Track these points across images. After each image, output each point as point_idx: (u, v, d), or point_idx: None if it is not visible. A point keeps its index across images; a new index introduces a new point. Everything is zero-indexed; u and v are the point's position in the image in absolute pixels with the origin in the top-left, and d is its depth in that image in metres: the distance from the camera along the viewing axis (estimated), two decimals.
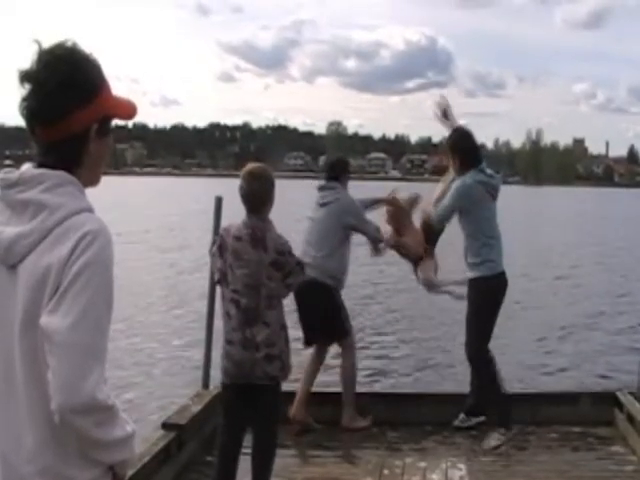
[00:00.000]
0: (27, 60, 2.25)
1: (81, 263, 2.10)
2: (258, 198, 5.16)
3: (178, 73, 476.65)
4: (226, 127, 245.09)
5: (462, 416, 7.29)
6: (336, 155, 8.03)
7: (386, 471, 5.03)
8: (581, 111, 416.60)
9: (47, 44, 2.26)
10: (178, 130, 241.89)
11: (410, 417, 7.52)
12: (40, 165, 2.26)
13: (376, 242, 7.45)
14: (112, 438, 2.17)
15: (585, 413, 7.51)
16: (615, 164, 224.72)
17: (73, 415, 2.05)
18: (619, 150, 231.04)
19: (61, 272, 2.10)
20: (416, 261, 7.51)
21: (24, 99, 2.24)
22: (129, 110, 2.42)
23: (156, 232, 36.35)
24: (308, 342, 7.49)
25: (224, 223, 5.86)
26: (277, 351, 5.16)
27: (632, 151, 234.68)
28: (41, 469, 2.16)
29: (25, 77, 2.23)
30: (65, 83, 2.21)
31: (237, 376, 5.22)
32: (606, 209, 74.83)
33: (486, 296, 6.94)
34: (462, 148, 7.14)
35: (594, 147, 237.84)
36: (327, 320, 7.33)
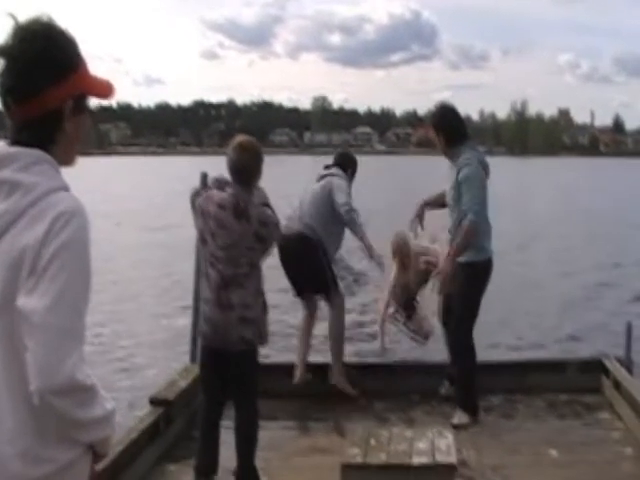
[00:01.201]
0: (2, 35, 2.23)
1: (58, 244, 2.07)
2: (246, 169, 5.17)
3: (161, 52, 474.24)
4: (210, 105, 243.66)
5: (447, 384, 7.32)
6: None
7: (373, 441, 5.04)
8: (566, 81, 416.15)
9: (23, 19, 2.23)
10: (162, 109, 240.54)
11: (398, 388, 7.56)
12: (14, 143, 2.23)
13: (349, 224, 7.34)
14: (92, 417, 2.16)
15: (572, 380, 7.55)
16: (600, 134, 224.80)
17: (52, 397, 2.04)
18: (604, 120, 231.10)
19: (37, 252, 2.07)
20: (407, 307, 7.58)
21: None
22: (106, 89, 2.38)
23: (143, 212, 36.25)
24: (298, 292, 7.63)
25: None
26: (253, 314, 5.17)
27: (617, 121, 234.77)
28: (20, 451, 2.14)
29: (1, 53, 2.21)
30: (40, 58, 2.19)
31: (213, 338, 5.24)
32: (593, 179, 74.89)
33: (478, 280, 6.84)
34: (447, 125, 6.97)
35: (579, 117, 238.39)
36: (313, 270, 7.39)
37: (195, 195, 5.39)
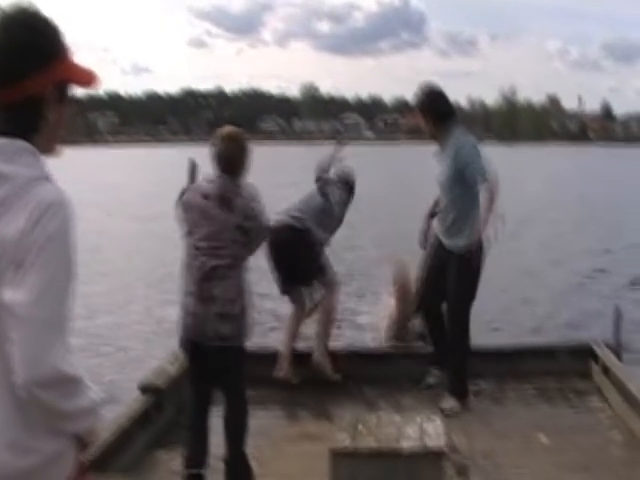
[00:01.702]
0: None
1: (44, 236, 2.06)
2: (232, 160, 5.13)
3: (149, 40, 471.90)
4: (199, 93, 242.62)
5: (437, 372, 7.30)
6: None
7: (361, 426, 5.04)
8: (555, 68, 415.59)
9: (5, 6, 2.24)
10: (150, 98, 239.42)
11: (387, 374, 7.57)
12: None
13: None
14: (77, 408, 2.16)
15: (561, 366, 7.57)
16: (589, 120, 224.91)
17: (38, 389, 2.04)
18: (593, 106, 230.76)
19: (19, 244, 2.05)
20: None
21: None
22: (89, 78, 2.36)
23: (133, 202, 36.19)
24: (285, 291, 7.65)
25: None
26: (235, 310, 5.10)
27: (606, 107, 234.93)
28: (7, 441, 2.13)
29: None
30: (22, 45, 2.18)
31: (191, 331, 5.18)
32: (582, 166, 75.02)
33: (478, 263, 6.71)
34: (434, 107, 6.80)
35: (568, 104, 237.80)
36: (306, 257, 7.42)
37: (181, 194, 5.36)
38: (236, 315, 5.11)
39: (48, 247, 2.06)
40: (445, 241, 6.88)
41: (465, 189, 6.70)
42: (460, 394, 6.85)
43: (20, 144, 2.18)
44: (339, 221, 7.74)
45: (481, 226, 6.49)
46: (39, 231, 2.06)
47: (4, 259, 2.06)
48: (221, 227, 5.06)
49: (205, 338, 5.10)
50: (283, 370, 7.41)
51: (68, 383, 2.10)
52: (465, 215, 6.75)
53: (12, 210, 2.08)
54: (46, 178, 2.18)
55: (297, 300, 7.68)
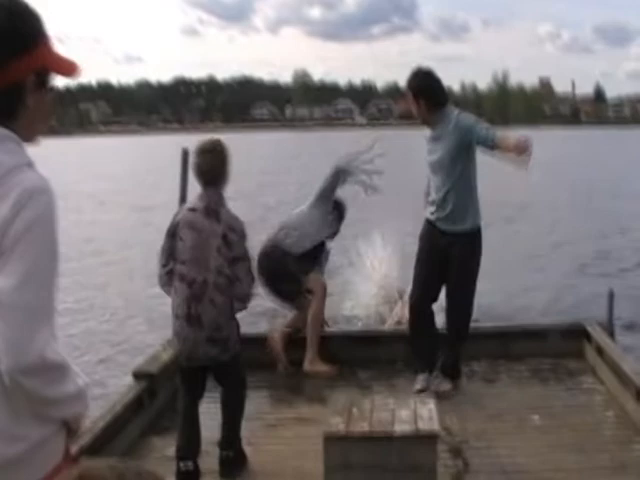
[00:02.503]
0: None
1: (25, 222, 2.06)
2: (212, 170, 5.19)
3: (141, 29, 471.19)
4: (191, 82, 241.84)
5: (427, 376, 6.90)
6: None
7: (355, 410, 5.04)
8: (546, 52, 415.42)
9: None
10: (142, 87, 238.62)
11: (381, 356, 7.58)
12: None
13: None
14: (63, 394, 2.16)
15: (555, 346, 7.58)
16: (582, 103, 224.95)
17: (23, 376, 2.04)
18: (585, 89, 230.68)
19: (3, 231, 2.05)
20: None
21: None
22: (70, 67, 2.35)
23: (128, 191, 36.16)
24: (282, 304, 7.90)
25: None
26: (224, 335, 5.18)
27: (598, 90, 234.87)
28: None
29: None
30: (2, 31, 2.16)
31: (181, 354, 5.26)
32: (575, 149, 75.01)
33: (478, 246, 6.69)
34: (427, 89, 6.63)
35: (560, 87, 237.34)
36: (286, 281, 7.53)
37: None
38: (224, 339, 5.19)
39: (30, 234, 2.06)
40: (446, 227, 6.68)
41: (466, 166, 6.55)
42: (456, 376, 6.88)
43: (1, 131, 2.17)
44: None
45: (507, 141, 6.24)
46: (21, 218, 2.06)
47: None
48: (208, 236, 5.11)
49: (196, 360, 5.20)
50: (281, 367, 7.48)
51: (52, 370, 2.10)
52: (468, 197, 6.62)
53: None
54: (28, 165, 2.18)
55: (297, 307, 7.74)
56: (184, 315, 5.14)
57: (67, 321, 12.06)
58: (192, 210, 5.19)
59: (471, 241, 6.63)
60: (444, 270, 6.71)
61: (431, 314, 6.91)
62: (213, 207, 5.13)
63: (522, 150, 6.08)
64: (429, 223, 6.83)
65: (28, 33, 2.22)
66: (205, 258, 5.09)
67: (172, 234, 5.27)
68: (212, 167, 5.18)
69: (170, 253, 5.27)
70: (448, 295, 6.83)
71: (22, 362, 2.02)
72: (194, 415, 5.41)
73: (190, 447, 5.33)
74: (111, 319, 13.32)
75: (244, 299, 5.30)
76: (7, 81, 2.19)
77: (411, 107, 6.76)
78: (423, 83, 6.70)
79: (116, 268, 17.71)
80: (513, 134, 6.43)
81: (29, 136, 2.30)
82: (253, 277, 5.35)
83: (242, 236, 5.21)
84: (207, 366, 5.31)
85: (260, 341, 7.54)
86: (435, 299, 6.91)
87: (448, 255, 6.64)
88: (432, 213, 6.76)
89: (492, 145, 6.31)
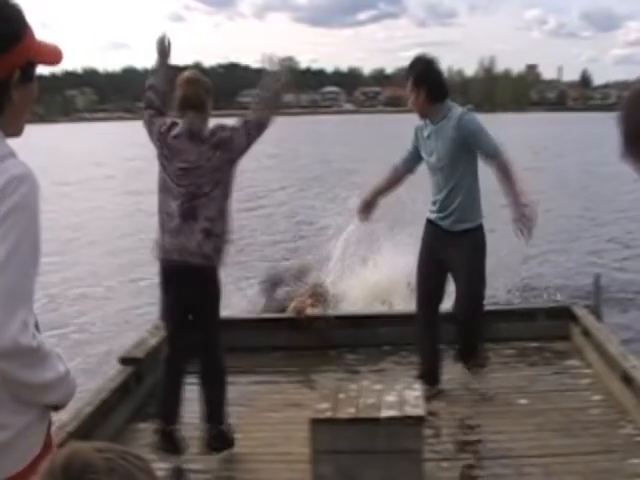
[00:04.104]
0: None
1: (7, 207, 2.06)
2: (195, 98, 5.17)
3: (127, 15, 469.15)
4: (177, 68, 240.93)
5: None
6: None
7: (341, 395, 5.04)
8: (533, 37, 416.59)
9: None
10: (128, 73, 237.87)
11: (368, 339, 7.59)
12: None
13: None
14: (43, 380, 2.14)
15: (541, 328, 7.58)
16: (568, 89, 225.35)
17: None
18: (572, 75, 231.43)
19: None
20: None
21: None
22: (54, 55, 2.34)
23: (117, 177, 36.17)
24: None
25: None
26: (217, 230, 5.13)
27: (585, 75, 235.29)
28: None
29: None
30: None
31: (172, 248, 5.14)
32: (562, 133, 75.14)
33: (484, 242, 6.37)
34: (430, 79, 6.24)
35: (547, 73, 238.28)
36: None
37: (152, 116, 5.37)
38: (217, 234, 5.14)
39: (11, 217, 2.06)
40: (449, 226, 6.35)
41: (467, 164, 6.23)
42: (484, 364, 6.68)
43: None
44: None
45: (518, 199, 6.01)
46: (4, 204, 2.06)
47: None
48: (195, 157, 5.08)
49: (187, 254, 5.08)
50: None
51: (28, 355, 2.08)
52: (471, 196, 6.30)
53: None
54: (12, 154, 2.17)
55: None
56: (178, 210, 5.09)
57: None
58: (176, 137, 5.16)
59: (475, 237, 6.33)
60: (447, 271, 6.45)
61: (437, 321, 6.58)
62: (195, 130, 5.11)
63: (525, 220, 5.99)
64: (430, 223, 6.51)
65: (10, 30, 2.19)
66: (196, 168, 5.07)
67: (157, 138, 5.27)
68: (195, 94, 5.19)
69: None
70: (456, 297, 6.44)
71: None
72: (177, 387, 5.36)
73: (170, 414, 5.33)
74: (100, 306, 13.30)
75: (259, 123, 5.22)
76: None
77: (406, 95, 6.39)
78: (427, 71, 6.29)
79: (104, 252, 17.64)
80: (520, 177, 6.15)
81: (14, 129, 2.29)
82: (252, 118, 5.23)
83: (230, 132, 5.15)
84: (188, 307, 5.24)
85: (245, 324, 7.55)
86: (440, 301, 6.59)
87: (452, 254, 6.31)
88: (433, 212, 6.46)
89: (496, 167, 6.13)
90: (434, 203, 6.42)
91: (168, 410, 5.35)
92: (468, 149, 6.15)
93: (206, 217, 5.07)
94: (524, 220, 5.99)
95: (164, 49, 5.49)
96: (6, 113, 2.22)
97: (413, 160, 6.56)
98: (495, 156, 6.11)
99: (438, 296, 6.53)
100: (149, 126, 5.32)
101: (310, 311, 7.84)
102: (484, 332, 6.59)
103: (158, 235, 5.25)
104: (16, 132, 2.30)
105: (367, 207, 6.73)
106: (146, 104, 5.41)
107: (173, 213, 5.12)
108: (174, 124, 5.20)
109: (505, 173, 6.08)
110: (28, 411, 2.18)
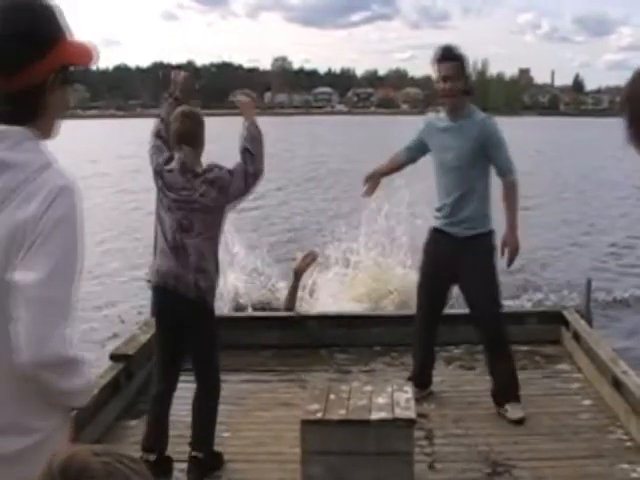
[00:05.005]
0: None
1: (53, 219, 2.08)
2: (189, 134, 5.18)
3: (120, 13, 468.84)
4: (170, 66, 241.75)
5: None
6: None
7: (332, 396, 5.04)
8: (526, 41, 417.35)
9: None
10: (121, 71, 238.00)
11: (360, 339, 7.59)
12: None
13: None
14: (75, 387, 2.17)
15: (532, 332, 7.59)
16: (561, 93, 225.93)
17: (40, 369, 2.06)
18: (564, 79, 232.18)
19: (31, 228, 2.06)
20: None
21: None
22: (88, 55, 2.33)
23: (109, 175, 36.13)
24: None
25: None
26: (209, 267, 5.15)
27: (577, 80, 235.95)
28: (7, 424, 2.15)
29: None
30: (24, 34, 2.14)
31: (168, 275, 5.15)
32: (554, 137, 75.31)
33: (495, 247, 6.18)
34: (468, 72, 6.16)
35: (540, 77, 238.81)
36: None
37: (159, 147, 5.40)
38: (209, 271, 5.16)
39: (57, 230, 2.08)
40: (458, 231, 6.14)
41: (483, 168, 6.07)
42: (517, 394, 6.20)
43: (24, 132, 2.17)
44: None
45: (512, 225, 6.08)
46: (49, 215, 2.08)
47: (16, 242, 2.07)
48: (187, 191, 5.09)
49: (184, 285, 5.09)
50: None
51: (68, 364, 2.12)
52: (485, 200, 6.14)
53: (26, 197, 2.10)
54: (51, 164, 2.18)
55: None
56: (170, 245, 5.14)
57: None
58: (170, 171, 5.19)
59: (487, 241, 6.16)
60: (453, 279, 6.29)
61: (436, 325, 6.48)
62: (188, 166, 5.13)
63: (510, 250, 6.11)
64: (436, 231, 6.30)
65: (48, 34, 2.19)
66: (189, 202, 5.09)
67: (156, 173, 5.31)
68: (189, 129, 5.20)
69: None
70: (473, 303, 6.25)
71: (40, 355, 2.04)
72: (164, 403, 5.34)
73: (156, 439, 5.29)
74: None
75: (256, 173, 5.20)
76: (29, 82, 2.17)
77: (440, 81, 6.03)
78: (468, 63, 6.16)
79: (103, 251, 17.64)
80: (518, 206, 6.18)
81: (49, 133, 2.29)
82: (250, 169, 5.19)
83: (219, 166, 5.18)
84: (182, 324, 5.23)
85: (237, 322, 7.55)
86: (443, 307, 6.47)
87: (464, 260, 6.11)
88: (440, 219, 6.25)
89: (504, 184, 6.11)
90: (441, 209, 6.23)
91: (154, 441, 5.30)
92: (485, 154, 6.03)
93: (197, 253, 5.11)
94: (509, 250, 6.10)
95: (187, 88, 5.52)
96: (42, 117, 2.23)
97: (417, 151, 6.41)
98: (507, 174, 6.08)
99: (441, 302, 6.42)
100: (156, 153, 5.36)
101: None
102: (505, 335, 6.31)
103: (153, 258, 5.35)
104: (50, 135, 2.30)
105: (372, 183, 6.58)
106: (156, 133, 5.46)
107: (166, 242, 5.19)
108: (171, 158, 5.24)
109: (510, 195, 6.08)
110: (54, 414, 2.22)
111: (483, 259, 6.10)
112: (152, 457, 5.16)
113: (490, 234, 6.16)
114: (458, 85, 5.98)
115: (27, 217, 2.07)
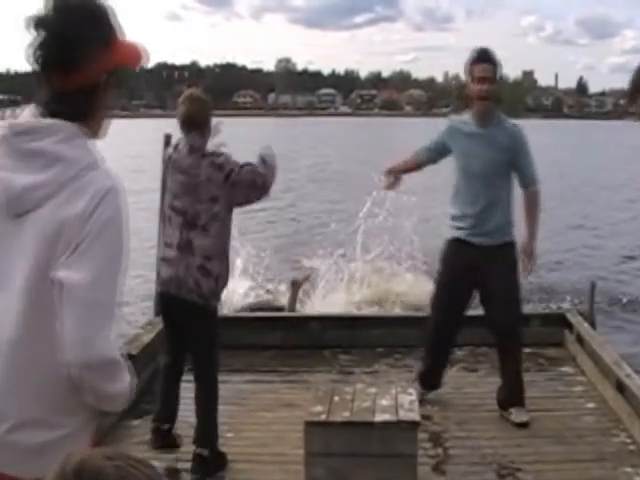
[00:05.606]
0: (39, 5, 2.22)
1: (102, 220, 2.11)
2: (196, 117, 5.18)
3: (124, 14, 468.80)
4: (174, 67, 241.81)
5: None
6: None
7: (336, 398, 5.03)
8: (530, 43, 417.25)
9: None
10: (125, 71, 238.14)
11: (362, 340, 7.58)
12: (50, 114, 2.22)
13: None
14: (115, 390, 2.21)
15: (535, 334, 7.55)
16: (564, 96, 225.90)
17: (85, 370, 2.09)
18: (568, 82, 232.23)
19: (78, 227, 2.09)
20: None
21: (39, 47, 2.19)
22: (139, 57, 2.37)
23: (120, 175, 36.05)
24: None
25: None
26: (214, 268, 5.12)
27: (581, 82, 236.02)
28: (34, 417, 2.18)
29: (39, 24, 2.19)
30: (83, 34, 2.18)
31: (170, 282, 5.18)
32: (557, 140, 75.23)
33: (517, 255, 6.09)
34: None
35: (543, 79, 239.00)
36: None
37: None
38: (214, 274, 5.13)
39: (105, 232, 2.12)
40: (482, 241, 6.00)
41: (508, 177, 6.01)
42: (522, 398, 6.14)
43: (76, 128, 2.21)
44: None
45: (532, 234, 6.05)
46: (97, 216, 2.11)
47: (63, 240, 2.10)
48: (193, 169, 5.09)
49: (185, 290, 5.10)
50: None
51: (112, 366, 2.16)
52: (510, 209, 6.07)
53: (72, 194, 2.13)
54: (97, 164, 2.21)
55: None
56: (177, 242, 5.13)
57: None
58: (176, 150, 5.26)
59: (512, 251, 6.05)
60: (474, 288, 6.19)
61: (454, 331, 6.39)
62: (196, 146, 5.15)
63: (527, 261, 6.08)
64: (458, 241, 6.14)
65: (104, 34, 2.24)
66: (194, 186, 5.08)
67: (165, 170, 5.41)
68: (195, 112, 5.20)
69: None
70: (494, 310, 6.14)
71: (85, 357, 2.07)
72: (174, 393, 5.44)
73: (168, 413, 5.42)
74: None
75: (264, 186, 5.18)
76: (84, 82, 2.21)
77: (482, 86, 5.85)
78: (500, 63, 6.00)
79: None
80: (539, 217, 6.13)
81: (98, 132, 2.33)
82: (262, 171, 5.17)
83: (228, 157, 5.16)
84: (183, 327, 5.27)
85: (240, 322, 7.55)
86: (462, 313, 6.33)
87: (489, 269, 6.00)
88: (462, 229, 6.10)
89: (527, 195, 6.06)
90: (462, 218, 6.10)
91: (167, 411, 5.42)
92: (513, 164, 5.96)
93: (203, 253, 5.08)
94: (527, 259, 6.06)
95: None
96: (92, 116, 2.27)
97: (438, 153, 6.25)
98: (531, 185, 6.04)
99: (460, 307, 6.29)
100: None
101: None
102: (521, 342, 6.27)
103: (157, 268, 5.39)
104: (99, 134, 2.34)
105: (394, 180, 6.44)
106: None
107: (171, 244, 5.17)
108: (179, 144, 5.28)
109: (533, 207, 6.05)
110: (80, 413, 2.24)
111: (509, 268, 6.03)
112: (166, 426, 5.37)
113: (515, 243, 6.08)
114: (494, 88, 5.89)
115: (74, 215, 2.10)
